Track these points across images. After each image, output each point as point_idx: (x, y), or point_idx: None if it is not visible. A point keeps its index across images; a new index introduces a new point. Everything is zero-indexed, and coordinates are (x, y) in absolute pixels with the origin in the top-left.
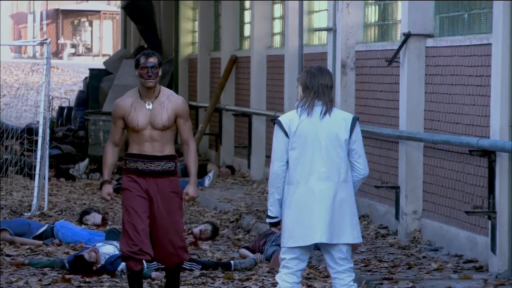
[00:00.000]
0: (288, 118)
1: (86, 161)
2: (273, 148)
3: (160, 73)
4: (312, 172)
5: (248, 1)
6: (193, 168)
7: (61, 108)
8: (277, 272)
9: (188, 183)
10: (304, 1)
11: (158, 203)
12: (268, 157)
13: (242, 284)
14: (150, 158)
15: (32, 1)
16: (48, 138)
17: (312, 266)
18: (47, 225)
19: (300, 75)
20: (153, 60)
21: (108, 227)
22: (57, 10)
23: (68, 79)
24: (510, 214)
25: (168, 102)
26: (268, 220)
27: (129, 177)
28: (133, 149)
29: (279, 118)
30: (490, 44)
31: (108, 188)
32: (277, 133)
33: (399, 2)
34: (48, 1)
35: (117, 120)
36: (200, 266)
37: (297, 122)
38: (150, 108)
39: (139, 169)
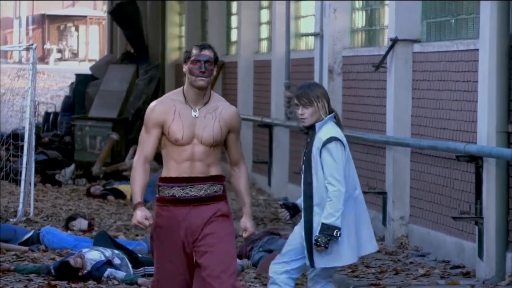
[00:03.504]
0: (340, 134)
1: (73, 166)
2: (336, 167)
3: (214, 72)
4: (356, 185)
5: (235, 7)
6: (247, 197)
7: (47, 114)
8: (264, 277)
9: (243, 216)
10: (291, 7)
11: (205, 231)
12: (260, 163)
13: None
14: (190, 181)
15: (18, 6)
16: (34, 143)
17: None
18: (33, 231)
19: (318, 91)
20: (208, 53)
21: (94, 233)
22: (43, 15)
23: (54, 84)
24: (497, 220)
25: (220, 112)
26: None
27: (163, 209)
28: (170, 171)
29: (336, 136)
30: (477, 50)
31: (144, 211)
32: (341, 152)
33: (386, 8)
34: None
35: (152, 128)
36: None
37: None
38: (197, 116)
39: (176, 197)
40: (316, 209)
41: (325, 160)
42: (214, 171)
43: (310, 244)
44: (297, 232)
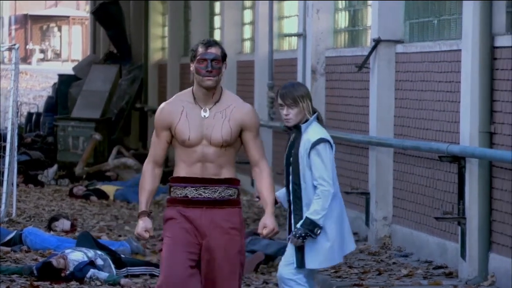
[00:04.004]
0: (327, 135)
1: (55, 167)
2: (325, 169)
3: (224, 70)
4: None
5: (218, 7)
6: (269, 196)
7: (29, 114)
8: (247, 278)
9: (264, 214)
10: (274, 7)
11: (213, 244)
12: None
13: None
14: (203, 182)
15: (0, 6)
16: (16, 144)
17: None
18: (15, 231)
19: (302, 91)
20: (215, 51)
21: (77, 233)
22: (25, 16)
23: (37, 84)
24: (479, 220)
25: (232, 110)
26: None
27: (175, 209)
28: (180, 171)
29: (325, 137)
30: (459, 50)
31: (145, 223)
32: (330, 153)
33: (369, 8)
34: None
35: (161, 131)
36: None
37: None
38: (207, 116)
39: (188, 198)
40: (305, 211)
41: (314, 161)
42: (227, 173)
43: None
44: None
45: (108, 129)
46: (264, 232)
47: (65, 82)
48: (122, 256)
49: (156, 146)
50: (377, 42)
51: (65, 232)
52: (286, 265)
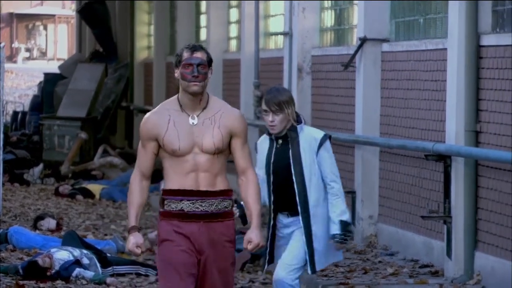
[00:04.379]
0: None
1: (41, 166)
2: (334, 164)
3: (210, 75)
4: None
5: (204, 6)
6: (255, 207)
7: (15, 113)
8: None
9: (250, 227)
10: (260, 6)
11: (209, 259)
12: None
13: None
14: (199, 195)
15: None
16: (2, 142)
17: (269, 272)
18: (0, 230)
19: (287, 96)
20: (200, 55)
21: (63, 232)
22: (11, 14)
23: (23, 83)
24: (465, 219)
25: (220, 116)
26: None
27: (170, 223)
28: (172, 184)
29: (328, 133)
30: (445, 49)
31: (136, 238)
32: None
33: (355, 7)
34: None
35: (147, 142)
36: (156, 272)
37: None
38: (195, 123)
39: (184, 212)
40: (313, 212)
41: (324, 157)
42: (222, 183)
43: (312, 250)
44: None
45: (94, 128)
46: (249, 247)
47: (51, 81)
48: (108, 255)
49: (143, 157)
50: (363, 41)
51: (50, 231)
52: (289, 271)
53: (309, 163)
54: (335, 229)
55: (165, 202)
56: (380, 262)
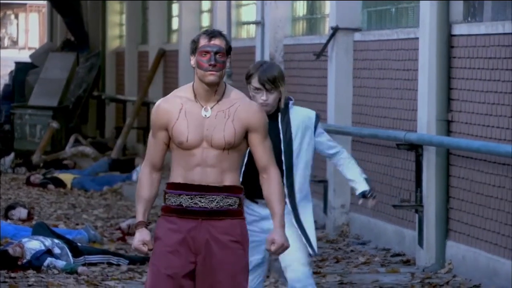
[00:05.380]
0: None
1: (12, 155)
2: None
3: (228, 65)
4: None
5: None
6: (278, 206)
7: None
8: None
9: (273, 228)
10: None
11: (209, 260)
12: None
13: None
14: (200, 189)
15: None
16: None
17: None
18: None
19: (280, 71)
20: (219, 42)
21: (34, 222)
22: None
23: None
24: (437, 208)
25: (236, 109)
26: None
27: (167, 220)
28: (176, 177)
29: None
30: (417, 38)
31: (143, 235)
32: None
33: None
34: None
35: (157, 132)
36: (128, 261)
37: None
38: (208, 115)
39: (183, 207)
40: (298, 196)
41: (323, 134)
42: (229, 180)
43: (306, 232)
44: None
45: (66, 117)
46: (272, 248)
47: (22, 70)
48: (79, 244)
49: (153, 148)
50: (335, 30)
51: (22, 220)
52: (303, 265)
53: (299, 142)
54: (364, 186)
55: (166, 196)
56: (352, 251)
